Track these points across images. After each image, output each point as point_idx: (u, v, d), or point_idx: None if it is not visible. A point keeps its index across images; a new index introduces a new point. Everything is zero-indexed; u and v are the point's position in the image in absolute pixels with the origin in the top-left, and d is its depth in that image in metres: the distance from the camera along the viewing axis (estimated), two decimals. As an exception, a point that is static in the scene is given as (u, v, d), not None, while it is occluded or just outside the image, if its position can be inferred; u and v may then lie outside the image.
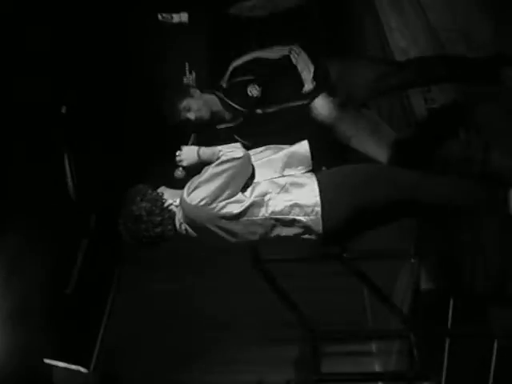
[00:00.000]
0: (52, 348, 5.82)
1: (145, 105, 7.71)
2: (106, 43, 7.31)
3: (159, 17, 7.98)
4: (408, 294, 5.28)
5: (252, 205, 3.57)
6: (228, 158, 3.57)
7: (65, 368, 5.77)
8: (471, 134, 4.10)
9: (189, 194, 3.59)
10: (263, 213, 3.58)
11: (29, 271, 5.64)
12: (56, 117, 6.23)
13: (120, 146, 7.77)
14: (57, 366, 5.75)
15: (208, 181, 3.57)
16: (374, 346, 6.67)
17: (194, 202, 3.57)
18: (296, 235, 3.64)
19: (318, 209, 3.55)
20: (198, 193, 3.58)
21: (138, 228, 3.64)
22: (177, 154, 3.88)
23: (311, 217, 3.56)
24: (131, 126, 8.05)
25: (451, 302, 4.22)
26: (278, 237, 3.66)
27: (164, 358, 6.66)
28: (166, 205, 3.68)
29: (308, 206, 3.56)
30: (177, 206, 3.69)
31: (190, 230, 3.68)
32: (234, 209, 3.57)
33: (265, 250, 4.79)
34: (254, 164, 3.70)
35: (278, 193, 3.59)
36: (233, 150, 3.63)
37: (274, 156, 3.74)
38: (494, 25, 4.22)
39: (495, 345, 3.68)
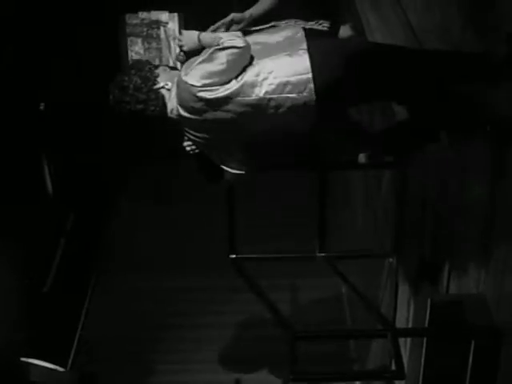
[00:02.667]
0: (29, 346, 5.80)
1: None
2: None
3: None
4: (386, 293, 5.29)
5: (245, 84, 3.61)
6: (230, 44, 3.63)
7: (42, 367, 5.74)
8: (452, 137, 4.09)
9: (186, 74, 3.64)
10: (257, 93, 3.60)
11: (6, 269, 5.61)
12: (34, 114, 6.20)
13: (99, 144, 7.75)
14: (34, 365, 5.72)
15: (207, 63, 3.63)
16: (352, 345, 6.68)
17: (189, 81, 3.61)
18: (290, 112, 3.63)
19: (311, 85, 3.58)
20: (195, 72, 3.63)
21: (121, 98, 3.72)
22: (178, 38, 3.94)
23: (304, 93, 3.59)
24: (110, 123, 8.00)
25: (429, 302, 4.22)
26: (272, 120, 3.65)
27: (140, 358, 6.65)
28: (156, 86, 3.73)
29: (301, 84, 3.59)
30: (168, 90, 3.74)
31: (182, 113, 3.70)
32: (227, 92, 3.60)
33: (243, 249, 4.79)
34: (252, 48, 3.74)
35: (271, 72, 3.62)
36: (234, 39, 3.68)
37: (270, 41, 3.81)
38: (474, 27, 4.22)
39: (472, 345, 3.69)
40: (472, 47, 3.95)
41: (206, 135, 3.73)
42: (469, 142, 3.88)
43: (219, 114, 3.64)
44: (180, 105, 3.68)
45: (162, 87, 3.73)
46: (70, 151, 6.91)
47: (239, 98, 3.60)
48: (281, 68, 3.62)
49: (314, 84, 3.58)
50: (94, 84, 7.66)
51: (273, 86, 3.60)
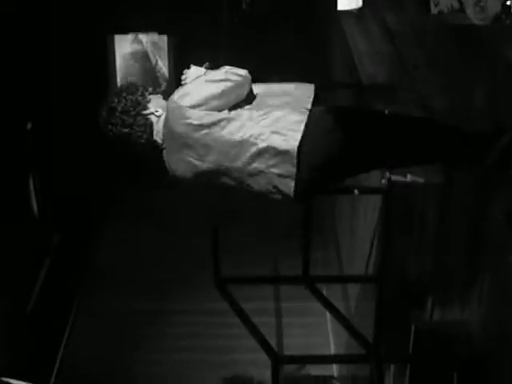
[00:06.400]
0: (11, 366, 5.76)
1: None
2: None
3: None
4: (370, 319, 5.28)
5: (232, 119, 3.50)
6: (231, 72, 3.54)
7: (23, 387, 5.71)
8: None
9: (179, 94, 3.54)
10: (242, 134, 3.47)
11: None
12: (21, 133, 6.19)
13: (87, 162, 7.75)
14: (15, 385, 5.68)
15: (203, 85, 3.54)
16: (335, 370, 6.66)
17: (179, 101, 3.51)
18: (268, 168, 3.48)
19: (296, 143, 3.42)
20: (188, 94, 3.52)
21: (108, 120, 3.61)
22: (184, 71, 3.80)
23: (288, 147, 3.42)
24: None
25: (412, 328, 4.21)
26: (248, 170, 3.51)
27: (121, 380, 6.61)
28: (145, 112, 3.61)
29: (290, 138, 3.42)
30: (157, 116, 3.61)
31: (165, 141, 3.61)
32: (213, 118, 3.49)
33: (228, 271, 4.78)
34: (255, 91, 3.66)
35: (264, 119, 3.49)
36: (236, 69, 3.57)
37: (278, 89, 3.72)
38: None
39: (455, 374, 3.68)
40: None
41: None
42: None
43: (199, 141, 3.52)
44: (165, 127, 3.58)
45: (152, 113, 3.62)
46: (56, 171, 6.89)
47: (223, 134, 3.48)
48: (278, 118, 3.48)
49: (300, 145, 3.41)
50: (81, 104, 7.69)
51: (259, 131, 3.47)
